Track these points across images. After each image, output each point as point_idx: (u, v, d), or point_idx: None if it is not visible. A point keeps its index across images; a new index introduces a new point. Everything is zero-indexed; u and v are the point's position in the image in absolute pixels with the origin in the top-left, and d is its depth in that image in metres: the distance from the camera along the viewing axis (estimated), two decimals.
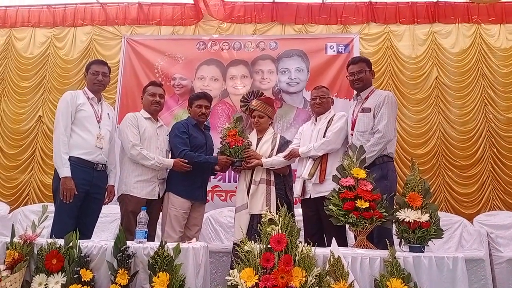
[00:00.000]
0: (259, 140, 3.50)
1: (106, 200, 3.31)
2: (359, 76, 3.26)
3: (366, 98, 3.21)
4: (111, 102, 5.32)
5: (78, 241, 2.51)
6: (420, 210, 2.45)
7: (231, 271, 2.22)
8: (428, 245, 2.43)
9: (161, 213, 3.37)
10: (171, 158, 3.39)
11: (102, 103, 3.35)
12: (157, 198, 3.28)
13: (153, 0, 5.66)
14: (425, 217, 2.41)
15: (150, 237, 3.10)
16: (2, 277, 2.34)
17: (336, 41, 5.30)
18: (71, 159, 3.06)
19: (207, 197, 4.81)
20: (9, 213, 4.88)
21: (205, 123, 3.63)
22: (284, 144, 3.50)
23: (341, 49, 5.26)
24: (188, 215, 3.30)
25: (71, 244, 2.49)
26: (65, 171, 3.00)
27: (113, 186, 3.34)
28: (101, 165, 3.20)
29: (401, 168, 4.79)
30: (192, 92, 5.24)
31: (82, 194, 3.07)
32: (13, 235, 2.54)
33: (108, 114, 3.34)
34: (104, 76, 3.31)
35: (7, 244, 2.51)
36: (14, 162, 5.39)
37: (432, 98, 5.08)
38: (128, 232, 2.89)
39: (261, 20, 5.52)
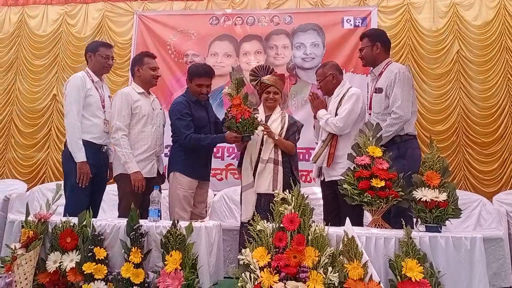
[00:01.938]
0: (267, 117, 3.36)
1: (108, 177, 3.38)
2: (362, 53, 3.15)
3: (380, 74, 3.06)
4: (124, 80, 5.32)
5: (92, 219, 2.53)
6: (437, 189, 2.38)
7: (243, 250, 2.20)
8: (445, 225, 2.37)
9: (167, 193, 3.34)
10: (174, 140, 3.32)
11: (103, 85, 3.39)
12: (156, 175, 3.24)
13: None
14: (443, 196, 2.34)
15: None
16: (17, 255, 2.37)
17: (353, 14, 5.12)
18: (83, 142, 3.11)
19: (221, 176, 4.88)
20: (27, 191, 4.96)
21: None
22: (292, 124, 3.41)
23: (358, 22, 5.09)
24: (194, 193, 3.25)
25: (84, 222, 2.51)
26: (81, 156, 3.06)
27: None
28: (106, 146, 3.29)
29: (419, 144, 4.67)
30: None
31: (93, 174, 3.12)
32: (27, 214, 2.56)
33: (108, 96, 3.39)
34: (112, 60, 3.37)
35: (22, 223, 2.54)
36: (30, 141, 5.44)
37: (452, 73, 4.90)
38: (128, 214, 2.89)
39: None
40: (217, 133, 3.33)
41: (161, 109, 3.44)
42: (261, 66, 3.51)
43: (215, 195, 4.56)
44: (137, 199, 3.02)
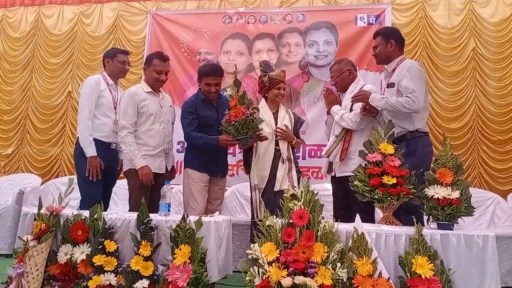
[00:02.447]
0: (274, 114, 3.34)
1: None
2: (376, 51, 3.13)
3: (393, 70, 3.03)
4: (138, 77, 5.35)
5: (103, 213, 2.56)
6: (450, 187, 2.34)
7: (252, 245, 2.20)
8: (457, 223, 2.33)
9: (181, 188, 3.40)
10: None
11: (117, 88, 3.52)
12: (164, 172, 3.28)
13: None
14: (456, 194, 2.30)
15: None
16: (29, 246, 2.41)
17: (366, 12, 5.08)
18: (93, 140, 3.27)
19: (232, 172, 4.88)
20: (41, 185, 5.04)
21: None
22: (297, 120, 3.44)
23: (372, 20, 5.05)
24: (208, 188, 3.28)
25: (96, 216, 2.54)
26: (91, 151, 3.21)
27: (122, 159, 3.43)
28: (115, 144, 3.40)
29: (433, 142, 4.60)
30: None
31: (103, 169, 3.25)
32: (40, 207, 2.61)
33: (121, 99, 3.46)
34: (129, 65, 3.55)
35: (34, 216, 2.58)
36: (45, 136, 5.53)
37: (468, 71, 4.82)
38: (138, 207, 2.87)
39: None
40: None
41: (171, 106, 3.47)
42: (266, 62, 3.42)
43: (226, 190, 4.56)
44: (146, 193, 3.09)
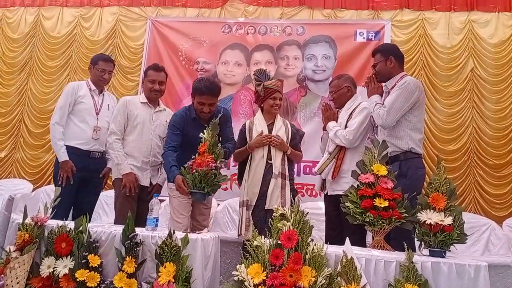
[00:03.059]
0: (270, 126, 3.20)
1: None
2: (376, 69, 3.08)
3: (393, 87, 2.98)
4: (135, 84, 5.32)
5: (88, 225, 2.50)
6: (443, 212, 2.30)
7: (238, 266, 2.15)
8: (449, 250, 2.28)
9: None
10: None
11: (103, 94, 3.51)
12: (149, 185, 3.23)
13: None
14: (448, 220, 2.26)
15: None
16: (11, 258, 2.35)
17: (366, 27, 5.08)
18: (68, 147, 3.29)
19: (226, 186, 4.81)
20: (32, 191, 4.97)
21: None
22: (295, 132, 3.30)
23: (371, 36, 5.05)
24: (191, 202, 3.07)
25: (81, 228, 2.48)
26: (61, 156, 3.26)
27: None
28: (97, 153, 3.40)
29: (428, 164, 4.57)
30: (215, 78, 5.16)
31: (78, 178, 3.29)
32: (25, 216, 2.55)
33: (108, 105, 3.48)
34: (109, 74, 3.51)
35: (19, 225, 2.52)
36: (39, 141, 5.47)
37: (466, 92, 4.81)
38: (122, 216, 2.97)
39: (289, 4, 5.33)
40: None
41: (166, 121, 3.31)
42: (261, 70, 3.29)
43: (218, 205, 4.51)
44: (131, 204, 3.05)
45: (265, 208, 3.04)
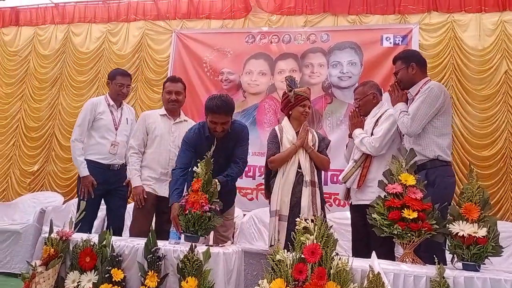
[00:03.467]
0: (297, 134, 3.14)
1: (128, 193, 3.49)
2: (398, 76, 3.00)
3: (417, 94, 2.87)
4: (160, 97, 5.36)
5: (112, 239, 2.51)
6: (476, 224, 2.17)
7: (260, 281, 2.09)
8: (484, 264, 2.15)
9: None
10: None
11: (122, 108, 3.58)
12: (167, 196, 3.14)
13: None
14: (482, 232, 2.13)
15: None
16: (36, 272, 2.37)
17: (393, 32, 4.96)
18: (89, 162, 3.41)
19: (252, 195, 4.78)
20: (63, 204, 5.08)
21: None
22: (322, 140, 3.23)
23: (398, 40, 4.92)
24: None
25: (104, 242, 2.48)
26: (82, 171, 3.37)
27: None
28: (117, 165, 3.50)
29: (462, 171, 4.40)
30: (240, 88, 5.17)
31: (100, 191, 3.39)
32: (51, 231, 2.57)
33: (126, 119, 3.57)
34: (127, 88, 3.58)
35: (45, 239, 2.55)
36: (69, 154, 5.51)
37: (500, 95, 4.60)
38: (134, 229, 3.14)
39: (313, 11, 5.28)
40: (225, 168, 2.96)
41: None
42: (291, 77, 3.20)
43: (244, 215, 4.46)
44: (147, 216, 3.15)
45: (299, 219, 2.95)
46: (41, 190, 5.54)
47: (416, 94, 2.87)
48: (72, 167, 5.55)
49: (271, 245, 3.03)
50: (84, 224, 2.80)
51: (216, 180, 2.73)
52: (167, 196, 3.13)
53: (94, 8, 6.00)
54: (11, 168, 5.78)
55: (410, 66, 2.92)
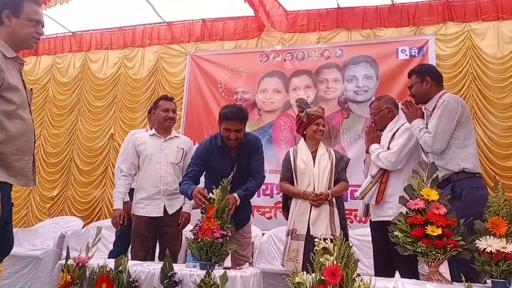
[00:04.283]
0: (313, 153, 3.18)
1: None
2: (412, 91, 2.94)
3: (434, 108, 2.81)
4: (177, 118, 5.39)
5: (128, 265, 2.47)
6: (505, 239, 2.06)
7: None
8: None
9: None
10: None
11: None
12: (162, 215, 3.21)
13: (216, 16, 5.65)
14: (511, 247, 2.02)
15: (175, 257, 3.12)
16: None
17: (408, 44, 4.90)
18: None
19: (270, 214, 4.70)
20: (83, 227, 5.09)
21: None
22: (340, 159, 3.22)
23: (414, 52, 4.85)
24: None
25: (120, 268, 2.45)
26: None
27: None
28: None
29: (488, 184, 4.20)
30: (255, 106, 5.15)
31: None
32: (68, 257, 2.56)
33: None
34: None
35: (61, 266, 2.54)
36: (88, 178, 5.66)
37: None
38: (133, 251, 3.18)
39: (326, 28, 5.26)
40: (242, 182, 2.91)
41: (179, 147, 3.35)
42: (302, 99, 3.30)
43: (263, 234, 4.39)
44: (142, 240, 3.17)
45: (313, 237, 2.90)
46: (60, 215, 5.59)
47: (434, 109, 2.79)
48: (90, 191, 5.62)
49: (282, 265, 3.02)
50: (118, 251, 3.13)
51: (236, 195, 2.76)
52: (163, 215, 3.23)
53: (110, 35, 6.13)
54: (31, 194, 5.86)
55: (425, 80, 2.87)
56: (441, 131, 2.65)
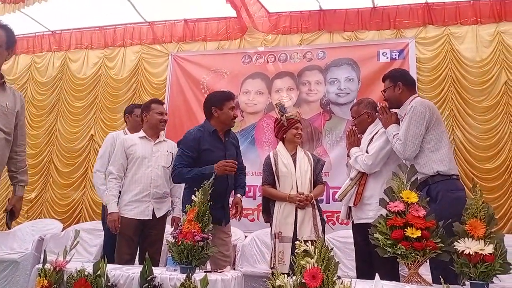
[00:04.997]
0: (293, 156, 3.27)
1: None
2: (385, 96, 2.98)
3: (405, 114, 2.83)
4: None
5: (106, 269, 2.43)
6: (483, 240, 2.09)
7: None
8: (493, 282, 2.06)
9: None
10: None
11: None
12: (151, 218, 3.18)
13: (199, 16, 5.62)
14: (489, 249, 2.04)
15: (155, 261, 3.09)
16: None
17: (389, 47, 4.95)
18: None
19: (253, 216, 4.70)
20: (62, 231, 5.00)
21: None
22: (317, 162, 3.34)
23: (395, 55, 4.90)
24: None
25: (99, 272, 2.41)
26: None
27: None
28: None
29: (467, 185, 4.28)
30: (237, 108, 5.12)
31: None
32: (45, 261, 2.50)
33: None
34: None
35: (38, 271, 2.48)
36: (67, 180, 5.56)
37: (501, 106, 4.53)
38: (118, 254, 3.12)
39: (308, 30, 5.28)
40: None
41: (168, 151, 3.34)
42: (281, 104, 3.44)
43: (246, 237, 4.37)
44: (129, 243, 3.13)
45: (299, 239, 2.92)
46: (39, 218, 5.46)
47: (405, 114, 2.82)
48: (69, 193, 5.53)
49: (272, 268, 3.03)
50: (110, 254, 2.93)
51: (239, 196, 3.07)
52: (150, 218, 3.20)
53: (90, 34, 6.03)
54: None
55: (397, 85, 2.89)
56: (410, 137, 2.67)
